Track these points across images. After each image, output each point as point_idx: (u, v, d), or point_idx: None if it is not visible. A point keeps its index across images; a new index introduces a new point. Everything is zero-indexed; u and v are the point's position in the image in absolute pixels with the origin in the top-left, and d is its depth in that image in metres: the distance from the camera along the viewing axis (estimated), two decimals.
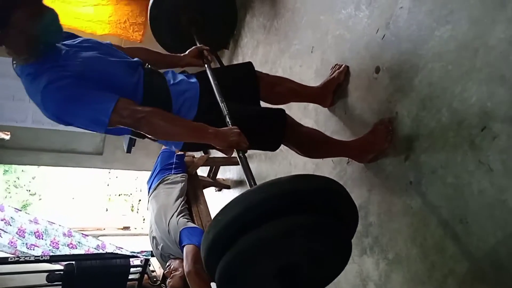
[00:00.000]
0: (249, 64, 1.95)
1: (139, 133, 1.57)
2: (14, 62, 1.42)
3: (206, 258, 1.11)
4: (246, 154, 1.48)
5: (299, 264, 1.12)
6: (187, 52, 1.92)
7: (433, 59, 1.59)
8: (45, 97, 1.34)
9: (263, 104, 2.08)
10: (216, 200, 3.64)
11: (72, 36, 1.59)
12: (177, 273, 2.19)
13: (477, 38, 1.42)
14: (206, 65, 1.87)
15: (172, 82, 1.67)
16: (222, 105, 1.60)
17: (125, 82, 1.52)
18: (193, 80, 1.75)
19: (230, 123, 1.52)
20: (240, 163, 1.43)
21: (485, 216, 1.35)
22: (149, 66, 1.74)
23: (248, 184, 1.35)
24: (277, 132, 1.73)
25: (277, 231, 0.99)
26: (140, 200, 7.69)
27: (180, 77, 1.73)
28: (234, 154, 1.51)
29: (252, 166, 3.06)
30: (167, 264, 2.28)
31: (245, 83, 1.88)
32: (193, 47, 1.94)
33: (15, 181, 8.51)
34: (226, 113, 1.56)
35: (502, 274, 1.30)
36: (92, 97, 1.37)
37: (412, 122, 1.66)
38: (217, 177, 3.48)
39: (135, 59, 1.65)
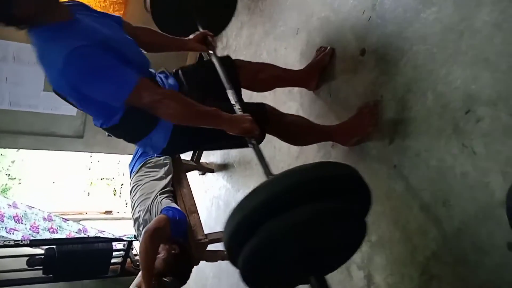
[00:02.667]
0: (228, 58, 1.91)
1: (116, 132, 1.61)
2: (30, 27, 1.33)
3: (229, 241, 1.11)
4: None
5: (321, 248, 1.15)
6: (191, 37, 1.87)
7: (418, 41, 1.58)
8: (68, 64, 1.27)
9: (247, 92, 2.06)
10: (199, 184, 3.62)
11: (88, 8, 1.52)
12: (160, 255, 2.17)
13: (462, 20, 1.41)
14: (210, 51, 1.84)
15: None
16: (230, 92, 1.61)
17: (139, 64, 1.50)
18: (171, 82, 1.71)
19: (240, 111, 1.53)
20: (253, 151, 1.47)
21: (468, 198, 1.36)
22: (151, 48, 1.74)
23: (263, 171, 1.37)
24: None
25: (303, 217, 1.01)
26: (122, 184, 7.61)
27: (157, 79, 1.69)
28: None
29: (236, 150, 3.04)
30: None
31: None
32: (198, 32, 1.89)
33: None
34: (235, 100, 1.57)
35: (482, 255, 1.31)
36: (115, 71, 1.34)
37: (397, 105, 1.66)
38: (201, 160, 3.45)
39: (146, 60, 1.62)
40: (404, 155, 1.60)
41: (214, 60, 1.77)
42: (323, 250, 1.15)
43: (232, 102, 1.58)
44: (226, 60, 1.89)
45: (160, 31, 1.92)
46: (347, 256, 1.27)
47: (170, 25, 2.01)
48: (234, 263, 1.16)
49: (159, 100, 1.39)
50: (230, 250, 1.13)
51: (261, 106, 1.76)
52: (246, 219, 1.04)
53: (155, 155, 2.75)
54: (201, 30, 1.93)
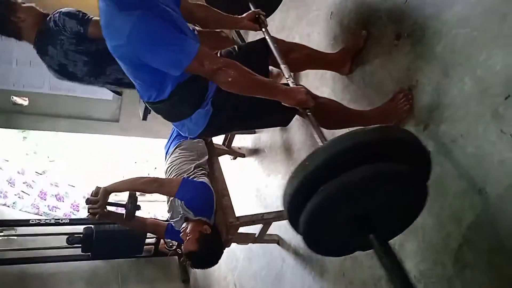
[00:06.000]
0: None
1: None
2: None
3: (290, 201, 1.15)
4: None
5: (378, 210, 1.19)
6: (244, 15, 1.96)
7: (457, 25, 1.54)
8: (135, 29, 1.37)
9: None
10: (231, 169, 3.66)
11: None
12: (192, 235, 2.23)
13: (506, 2, 1.36)
14: (263, 29, 1.91)
15: None
16: (283, 66, 1.69)
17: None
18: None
19: (294, 84, 1.61)
20: (309, 121, 1.53)
21: (505, 186, 1.33)
22: (206, 24, 1.85)
23: (319, 142, 1.42)
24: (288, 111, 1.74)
25: (362, 177, 1.06)
26: (155, 167, 7.77)
27: None
28: None
29: (267, 135, 3.06)
30: (182, 226, 2.32)
31: (256, 55, 1.88)
32: (250, 11, 1.98)
33: (34, 148, 8.66)
34: (289, 75, 1.65)
35: None
36: (178, 40, 1.44)
37: (433, 90, 1.62)
38: (232, 145, 3.48)
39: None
40: (439, 141, 1.57)
41: (267, 38, 1.85)
42: (382, 212, 1.19)
43: (287, 76, 1.65)
44: (259, 42, 1.93)
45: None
46: (409, 220, 1.28)
47: (223, 5, 2.04)
48: (294, 226, 1.20)
49: (218, 68, 1.46)
50: (290, 212, 1.18)
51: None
52: (308, 179, 1.09)
53: (189, 138, 2.81)
54: (253, 9, 2.01)
